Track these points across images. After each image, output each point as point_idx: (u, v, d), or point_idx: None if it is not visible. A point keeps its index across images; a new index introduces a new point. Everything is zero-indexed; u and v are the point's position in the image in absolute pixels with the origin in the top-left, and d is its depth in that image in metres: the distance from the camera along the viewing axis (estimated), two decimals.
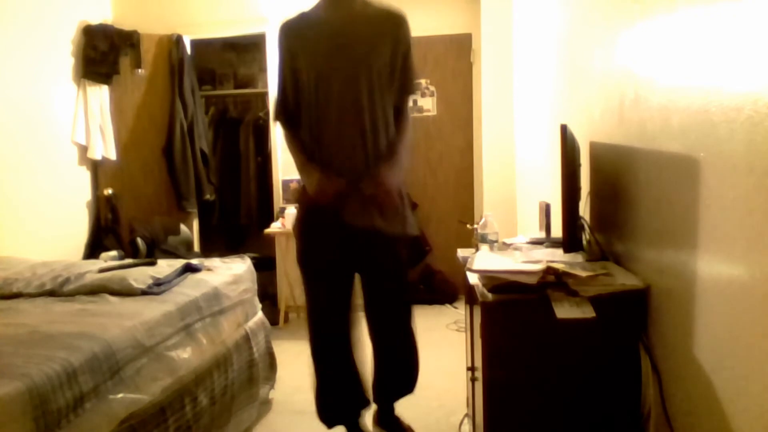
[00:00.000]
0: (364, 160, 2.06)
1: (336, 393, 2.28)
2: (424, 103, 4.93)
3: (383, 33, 2.07)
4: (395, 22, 2.09)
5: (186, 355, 2.07)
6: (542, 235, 2.34)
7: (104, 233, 4.26)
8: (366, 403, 2.36)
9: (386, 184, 2.04)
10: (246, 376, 2.50)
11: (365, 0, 2.12)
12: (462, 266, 2.06)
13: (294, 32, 2.12)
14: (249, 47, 4.99)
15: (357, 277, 2.25)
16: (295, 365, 3.26)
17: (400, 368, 2.33)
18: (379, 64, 2.05)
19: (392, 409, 2.40)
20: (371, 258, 2.16)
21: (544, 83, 3.08)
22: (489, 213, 2.39)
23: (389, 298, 2.25)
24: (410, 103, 2.26)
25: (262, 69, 4.74)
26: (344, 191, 2.04)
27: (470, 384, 2.09)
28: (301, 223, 2.24)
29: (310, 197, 2.10)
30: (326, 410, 2.29)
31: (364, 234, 2.08)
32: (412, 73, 2.15)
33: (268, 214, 4.63)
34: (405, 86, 2.16)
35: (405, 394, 2.38)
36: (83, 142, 4.19)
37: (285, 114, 2.19)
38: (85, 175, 4.30)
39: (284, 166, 4.55)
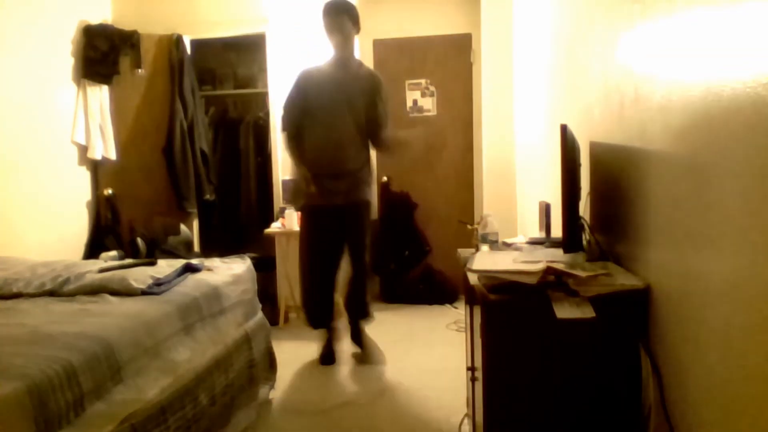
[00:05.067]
0: (339, 163, 3.23)
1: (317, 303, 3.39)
2: (424, 103, 4.93)
3: (367, 88, 3.25)
4: (375, 82, 3.30)
5: (186, 355, 2.07)
6: (542, 235, 2.34)
7: (104, 233, 4.26)
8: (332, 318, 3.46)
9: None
10: (246, 376, 2.50)
11: (360, 62, 3.42)
12: (462, 266, 2.07)
13: (309, 77, 3.27)
14: (249, 47, 4.99)
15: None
16: (295, 365, 3.27)
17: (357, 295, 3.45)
18: (359, 107, 3.22)
19: (360, 328, 3.45)
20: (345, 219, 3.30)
21: (544, 83, 3.08)
22: (489, 213, 2.39)
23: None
24: (384, 133, 3.32)
25: (262, 69, 4.73)
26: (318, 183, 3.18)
27: (470, 384, 2.09)
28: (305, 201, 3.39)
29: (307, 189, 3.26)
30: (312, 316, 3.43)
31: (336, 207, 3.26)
32: (384, 116, 3.29)
33: (268, 214, 4.63)
34: (378, 123, 3.28)
35: (362, 315, 3.45)
36: (83, 142, 4.19)
37: (292, 129, 3.30)
38: (85, 175, 4.30)
39: (284, 166, 4.55)
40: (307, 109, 3.24)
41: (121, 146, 4.38)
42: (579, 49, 2.31)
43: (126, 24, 4.43)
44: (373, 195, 3.42)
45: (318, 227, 3.30)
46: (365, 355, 3.38)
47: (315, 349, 3.41)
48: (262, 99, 4.86)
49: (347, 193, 3.23)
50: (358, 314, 3.43)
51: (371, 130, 3.28)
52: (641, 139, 1.56)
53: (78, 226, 4.21)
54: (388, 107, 3.34)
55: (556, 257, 1.77)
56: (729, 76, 1.07)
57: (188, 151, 4.42)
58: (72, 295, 2.24)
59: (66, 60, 4.12)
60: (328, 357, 3.33)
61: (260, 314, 2.80)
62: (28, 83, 3.73)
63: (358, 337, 3.44)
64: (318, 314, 3.39)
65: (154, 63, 4.44)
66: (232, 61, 5.24)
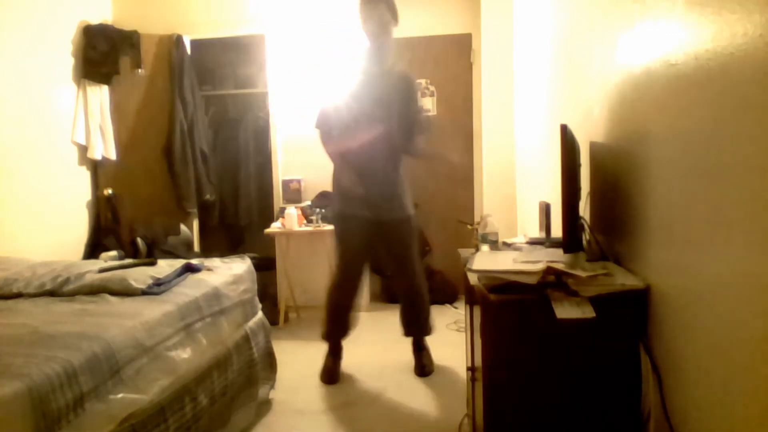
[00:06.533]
0: (373, 171, 3.04)
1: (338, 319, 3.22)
2: (424, 103, 4.93)
3: (402, 90, 3.09)
4: (410, 83, 3.16)
5: (186, 355, 2.06)
6: (542, 235, 2.34)
7: (104, 233, 4.26)
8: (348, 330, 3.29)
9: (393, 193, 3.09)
10: (246, 376, 2.50)
11: (394, 60, 3.20)
12: (462, 266, 2.07)
13: (349, 81, 3.08)
14: (249, 47, 4.99)
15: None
16: (295, 365, 3.27)
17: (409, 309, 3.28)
18: (394, 111, 3.03)
19: (420, 342, 3.28)
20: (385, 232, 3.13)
21: (544, 83, 3.08)
22: (489, 213, 2.39)
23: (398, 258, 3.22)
24: (421, 138, 3.17)
25: (262, 69, 4.74)
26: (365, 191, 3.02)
27: (470, 384, 2.09)
28: (338, 210, 3.20)
29: (343, 188, 3.09)
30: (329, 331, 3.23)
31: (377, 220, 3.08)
32: (421, 116, 3.20)
33: (268, 214, 4.63)
34: (417, 125, 3.13)
35: (419, 332, 3.26)
36: (83, 142, 4.19)
37: (324, 127, 3.14)
38: (85, 175, 4.30)
39: (284, 166, 4.55)
40: (343, 113, 3.07)
41: (121, 146, 4.38)
42: (579, 49, 2.31)
43: (126, 24, 4.43)
44: (411, 207, 3.18)
45: (352, 238, 3.12)
46: (420, 366, 3.19)
47: (315, 349, 3.41)
48: (262, 99, 4.86)
49: (383, 208, 3.05)
50: (415, 332, 3.27)
51: (408, 134, 3.09)
52: (641, 139, 1.56)
53: (78, 226, 4.21)
54: (422, 110, 3.28)
55: (556, 257, 1.77)
56: (730, 76, 1.07)
57: (188, 151, 4.42)
58: (72, 295, 2.24)
59: (66, 60, 4.12)
60: (330, 375, 3.13)
61: (260, 314, 2.79)
62: (28, 83, 3.73)
63: (417, 350, 3.28)
64: (334, 326, 3.23)
65: (154, 63, 4.44)
66: (232, 61, 5.23)
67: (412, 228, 3.17)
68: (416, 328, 3.25)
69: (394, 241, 3.14)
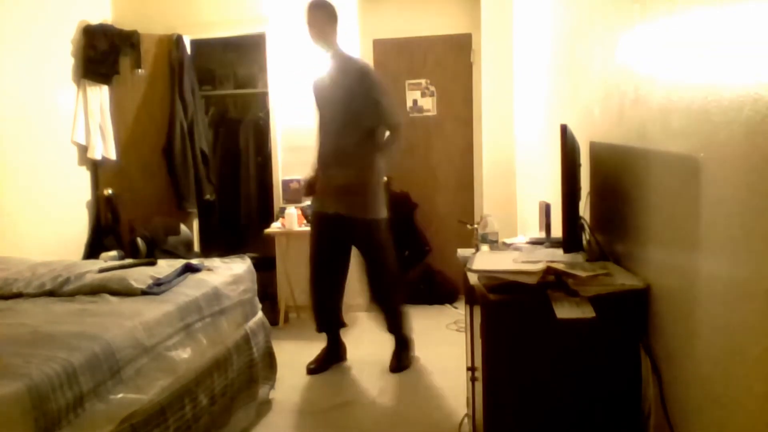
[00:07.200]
0: (337, 170, 3.15)
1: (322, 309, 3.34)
2: (424, 103, 4.93)
3: (356, 85, 3.10)
4: (361, 75, 3.13)
5: (186, 355, 2.06)
6: (542, 235, 2.34)
7: (104, 233, 4.26)
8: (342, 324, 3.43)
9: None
10: (246, 376, 2.50)
11: (348, 57, 3.24)
12: (462, 266, 2.07)
13: (315, 84, 3.30)
14: (249, 47, 4.98)
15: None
16: (295, 365, 3.27)
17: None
18: (349, 103, 3.09)
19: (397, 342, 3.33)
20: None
21: (544, 83, 3.08)
22: (489, 213, 2.39)
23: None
24: (393, 124, 3.18)
25: (262, 69, 4.73)
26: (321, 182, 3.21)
27: (470, 384, 2.09)
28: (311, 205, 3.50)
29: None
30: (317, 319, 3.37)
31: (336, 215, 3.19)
32: (381, 107, 3.10)
33: (268, 214, 4.63)
34: (379, 118, 3.13)
35: (390, 332, 3.32)
36: (83, 142, 4.19)
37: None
38: (85, 175, 4.30)
39: (284, 166, 4.55)
40: (319, 116, 3.32)
41: (121, 146, 4.38)
42: (579, 49, 2.31)
43: (126, 24, 4.43)
44: (382, 210, 3.23)
45: (317, 233, 3.29)
46: (391, 363, 3.25)
47: (315, 349, 3.41)
48: (262, 99, 4.85)
49: (347, 206, 3.15)
50: (389, 331, 3.32)
51: (364, 127, 3.13)
52: (641, 139, 1.56)
53: (78, 226, 4.21)
54: (387, 97, 3.17)
55: (556, 257, 1.77)
56: (729, 77, 1.07)
57: (188, 151, 4.41)
58: (72, 295, 2.24)
59: (66, 60, 4.12)
60: (314, 368, 3.24)
61: (260, 314, 2.79)
62: (28, 83, 3.72)
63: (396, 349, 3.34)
64: (317, 318, 3.36)
65: (154, 63, 4.44)
66: (232, 61, 5.23)
67: (379, 232, 3.19)
68: (388, 328, 3.32)
69: (360, 241, 3.23)
